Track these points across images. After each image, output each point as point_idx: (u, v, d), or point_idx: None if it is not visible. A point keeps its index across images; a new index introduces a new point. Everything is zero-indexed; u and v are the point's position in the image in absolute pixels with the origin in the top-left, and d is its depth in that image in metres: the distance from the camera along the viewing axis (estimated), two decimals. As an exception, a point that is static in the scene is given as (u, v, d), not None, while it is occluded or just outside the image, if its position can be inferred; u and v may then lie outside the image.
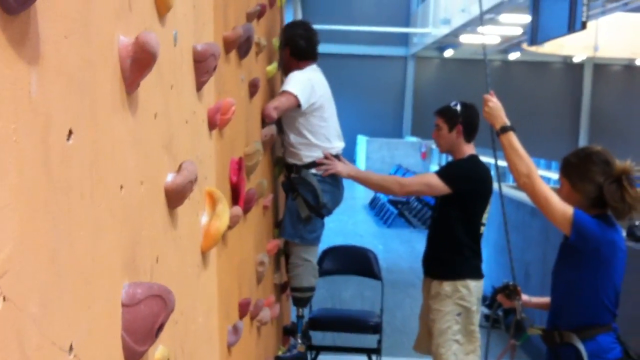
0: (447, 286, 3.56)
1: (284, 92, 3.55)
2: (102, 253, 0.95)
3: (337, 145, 3.81)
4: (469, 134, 3.61)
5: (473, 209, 3.61)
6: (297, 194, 3.68)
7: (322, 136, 3.72)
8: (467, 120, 3.59)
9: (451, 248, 3.60)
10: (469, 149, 3.63)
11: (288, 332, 4.03)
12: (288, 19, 5.72)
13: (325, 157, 3.70)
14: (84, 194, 0.88)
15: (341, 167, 3.72)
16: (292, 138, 3.70)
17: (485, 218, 3.66)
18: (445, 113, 3.63)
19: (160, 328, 1.08)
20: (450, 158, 3.80)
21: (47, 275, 0.77)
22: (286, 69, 3.78)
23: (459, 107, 3.62)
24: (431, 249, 3.74)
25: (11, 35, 0.70)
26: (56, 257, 0.79)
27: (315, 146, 3.70)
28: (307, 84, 3.63)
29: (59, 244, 0.80)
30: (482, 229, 3.66)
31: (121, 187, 1.05)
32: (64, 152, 0.82)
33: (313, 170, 3.70)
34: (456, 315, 3.55)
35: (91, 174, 0.91)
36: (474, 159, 3.64)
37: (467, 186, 3.56)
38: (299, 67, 3.72)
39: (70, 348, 0.83)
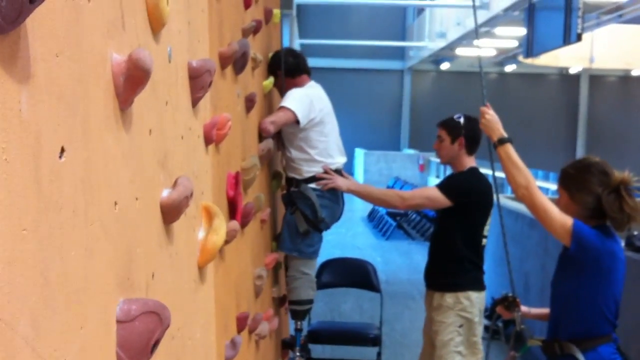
0: (449, 298, 3.56)
1: (282, 107, 3.55)
2: (95, 270, 0.95)
3: (339, 160, 3.81)
4: (471, 147, 3.62)
5: (474, 221, 3.61)
6: (296, 208, 3.68)
7: (323, 151, 3.71)
8: (470, 134, 3.60)
9: (452, 260, 3.60)
10: (469, 162, 3.64)
11: (287, 345, 4.02)
12: (284, 34, 5.74)
13: (325, 172, 3.70)
14: (76, 212, 0.88)
15: (341, 181, 3.72)
16: (293, 153, 3.70)
17: (486, 230, 3.66)
18: (448, 125, 3.64)
19: (155, 344, 1.07)
20: (449, 169, 3.81)
21: (39, 294, 0.76)
22: (285, 91, 3.75)
23: (462, 120, 3.63)
24: (432, 262, 3.74)
25: (1, 55, 0.70)
26: (47, 276, 0.79)
27: (315, 161, 3.70)
28: (305, 100, 3.63)
29: (50, 263, 0.80)
30: (484, 241, 3.66)
31: (115, 203, 1.04)
32: (56, 170, 0.82)
33: (313, 185, 3.70)
34: (458, 327, 3.55)
35: (84, 191, 0.91)
36: (474, 171, 3.64)
37: (468, 199, 3.57)
38: (297, 85, 3.73)
39: (64, 366, 0.83)
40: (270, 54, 3.79)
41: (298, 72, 3.76)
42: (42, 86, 0.79)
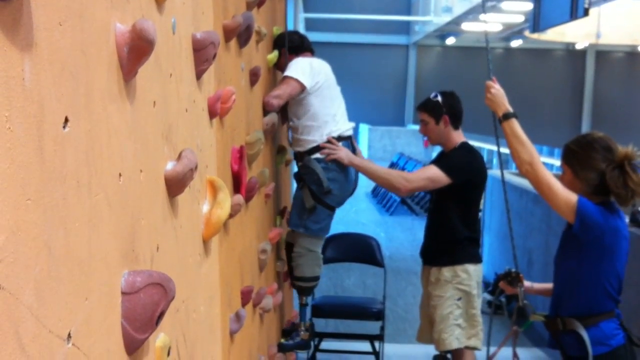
0: (446, 272, 3.58)
1: (285, 78, 3.53)
2: (100, 242, 0.95)
3: (343, 126, 3.74)
4: (456, 122, 3.63)
5: (470, 197, 3.62)
6: (304, 184, 3.66)
7: (327, 116, 3.66)
8: (451, 109, 3.61)
9: (450, 241, 3.61)
10: (458, 137, 3.64)
11: (287, 334, 3.97)
12: (289, 7, 5.69)
13: (329, 142, 3.65)
14: (80, 183, 0.88)
15: (344, 153, 3.66)
16: (296, 122, 3.67)
17: (481, 204, 3.67)
18: (428, 106, 3.64)
19: (160, 316, 1.08)
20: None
21: (42, 265, 0.76)
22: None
23: (439, 98, 3.62)
24: (429, 240, 3.74)
25: (3, 22, 0.69)
26: (51, 247, 0.79)
27: (319, 127, 3.64)
28: (307, 66, 3.60)
29: (54, 233, 0.79)
30: (480, 214, 3.67)
31: (119, 175, 1.04)
32: (60, 140, 0.82)
33: (316, 155, 3.65)
34: (457, 300, 3.56)
35: (88, 162, 0.91)
36: (467, 146, 3.64)
37: (466, 176, 3.57)
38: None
39: (69, 336, 0.83)
40: (276, 28, 3.76)
41: (302, 49, 3.76)
42: (45, 55, 0.78)
